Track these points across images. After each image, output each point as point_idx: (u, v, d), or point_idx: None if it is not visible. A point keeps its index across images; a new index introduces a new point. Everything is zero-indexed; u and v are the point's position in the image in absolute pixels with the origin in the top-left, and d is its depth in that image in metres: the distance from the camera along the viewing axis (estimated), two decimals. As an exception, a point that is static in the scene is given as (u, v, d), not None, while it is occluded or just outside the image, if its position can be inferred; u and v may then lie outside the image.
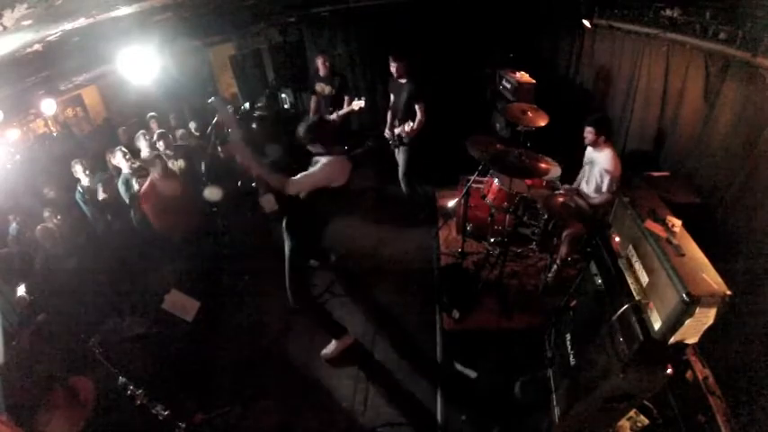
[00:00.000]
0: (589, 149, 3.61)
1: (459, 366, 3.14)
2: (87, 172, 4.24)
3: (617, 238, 2.27)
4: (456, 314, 3.48)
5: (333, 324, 3.33)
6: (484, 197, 3.69)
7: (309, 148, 2.93)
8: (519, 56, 5.53)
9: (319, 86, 5.12)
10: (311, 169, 2.86)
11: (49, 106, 4.17)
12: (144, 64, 3.11)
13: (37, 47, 2.24)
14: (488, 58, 5.76)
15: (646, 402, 2.40)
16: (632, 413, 2.39)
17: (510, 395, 2.87)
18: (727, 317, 1.73)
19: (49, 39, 2.15)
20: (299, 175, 2.79)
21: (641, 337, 1.85)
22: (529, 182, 3.64)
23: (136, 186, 4.23)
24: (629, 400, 2.09)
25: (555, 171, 3.21)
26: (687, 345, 1.80)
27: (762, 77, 2.62)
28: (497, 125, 5.55)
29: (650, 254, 1.91)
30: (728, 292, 1.62)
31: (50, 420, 2.82)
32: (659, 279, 1.80)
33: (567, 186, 3.77)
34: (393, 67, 4.19)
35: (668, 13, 3.44)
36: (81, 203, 4.23)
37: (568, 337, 2.54)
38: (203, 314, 3.21)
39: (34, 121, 5.58)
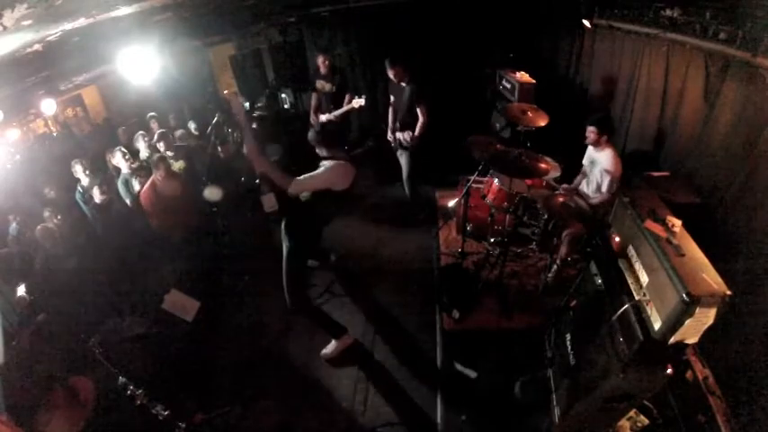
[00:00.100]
0: (590, 149, 3.61)
1: (459, 366, 3.14)
2: (87, 172, 4.23)
3: (617, 238, 2.27)
4: (456, 314, 3.48)
5: (332, 324, 3.33)
6: (484, 197, 3.69)
7: (317, 151, 3.01)
8: (519, 56, 5.52)
9: (320, 84, 5.12)
10: (315, 171, 2.89)
11: (49, 106, 4.16)
12: (144, 64, 3.10)
13: (37, 47, 2.24)
14: (488, 58, 5.75)
15: (646, 402, 2.40)
16: (632, 413, 2.40)
17: (510, 395, 2.87)
18: (727, 317, 1.74)
19: (49, 39, 2.15)
20: (302, 176, 2.82)
21: (641, 337, 1.85)
22: (529, 182, 3.64)
23: (136, 186, 4.23)
24: (629, 400, 2.09)
25: (555, 171, 3.21)
26: (687, 345, 1.80)
27: (762, 77, 2.62)
28: (497, 125, 5.55)
29: (650, 254, 1.91)
30: (728, 292, 1.62)
31: (50, 420, 2.81)
32: (659, 279, 1.80)
33: (566, 186, 3.77)
34: (390, 73, 4.16)
35: (668, 13, 3.44)
36: (81, 203, 4.23)
37: (568, 337, 2.54)
38: (203, 314, 3.22)
39: (34, 121, 5.57)
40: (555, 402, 2.52)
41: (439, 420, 2.85)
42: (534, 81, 4.90)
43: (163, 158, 4.16)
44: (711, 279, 1.68)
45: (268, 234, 4.36)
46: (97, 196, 3.98)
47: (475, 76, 5.96)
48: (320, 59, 5.02)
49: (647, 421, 2.45)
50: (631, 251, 2.09)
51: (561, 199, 3.42)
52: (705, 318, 1.65)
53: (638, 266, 2.01)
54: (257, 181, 3.89)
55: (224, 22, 5.15)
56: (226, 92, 4.01)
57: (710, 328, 1.69)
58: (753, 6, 2.60)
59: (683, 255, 1.80)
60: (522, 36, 5.74)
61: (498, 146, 3.61)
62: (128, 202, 4.32)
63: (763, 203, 2.66)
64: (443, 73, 5.69)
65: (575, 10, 4.61)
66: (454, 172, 4.59)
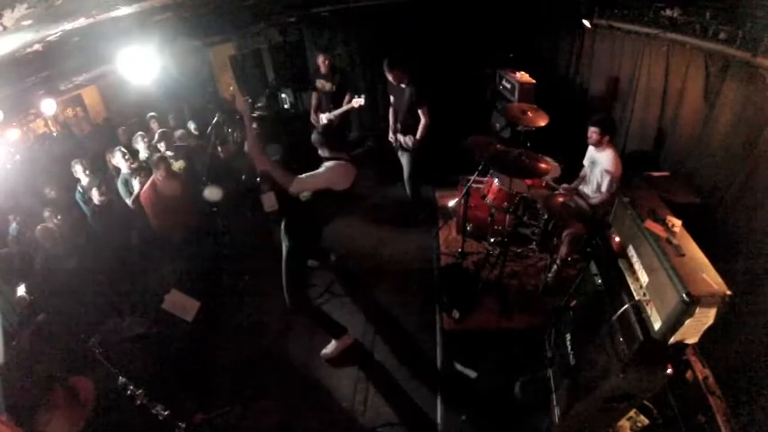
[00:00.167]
0: (591, 149, 3.61)
1: (459, 366, 3.14)
2: (87, 172, 4.23)
3: (617, 238, 2.27)
4: (456, 314, 3.48)
5: (332, 324, 3.33)
6: (484, 197, 3.69)
7: (320, 152, 3.01)
8: (519, 56, 5.53)
9: (320, 83, 5.13)
10: (317, 170, 2.90)
11: (49, 106, 4.15)
12: (144, 64, 3.11)
13: (37, 47, 2.24)
14: (488, 58, 5.75)
15: (646, 402, 2.40)
16: (632, 413, 2.40)
17: (510, 395, 2.87)
18: (727, 317, 1.73)
19: (49, 39, 2.15)
20: (304, 175, 2.83)
21: (641, 337, 1.85)
22: (529, 182, 3.63)
23: (136, 186, 4.23)
24: (629, 400, 2.09)
25: (555, 171, 3.21)
26: (687, 345, 1.80)
27: (762, 77, 2.62)
28: (497, 125, 5.55)
29: (650, 254, 1.91)
30: (728, 292, 1.62)
31: (50, 420, 2.81)
32: (659, 279, 1.80)
33: (566, 186, 3.77)
34: (390, 77, 4.12)
35: (668, 13, 3.44)
36: (81, 203, 4.23)
37: (568, 337, 2.54)
38: (203, 314, 3.22)
39: (34, 121, 5.57)
40: (555, 402, 2.52)
41: (439, 420, 2.85)
42: (534, 81, 4.90)
43: (163, 158, 4.16)
44: (711, 279, 1.68)
45: (268, 234, 4.36)
46: (96, 198, 3.98)
47: (475, 76, 5.97)
48: (320, 59, 5.03)
49: (647, 421, 2.44)
50: (631, 251, 2.09)
51: (561, 199, 3.43)
52: (705, 318, 1.65)
53: (638, 266, 2.01)
54: (257, 180, 3.90)
55: (224, 22, 5.15)
56: (231, 88, 4.01)
57: (710, 328, 1.69)
58: (753, 6, 2.60)
59: (683, 255, 1.80)
60: (522, 36, 5.75)
61: (498, 146, 3.61)
62: (128, 202, 4.32)
63: (763, 203, 2.65)
64: (443, 73, 5.69)
65: (575, 10, 4.61)
66: (454, 172, 4.59)
